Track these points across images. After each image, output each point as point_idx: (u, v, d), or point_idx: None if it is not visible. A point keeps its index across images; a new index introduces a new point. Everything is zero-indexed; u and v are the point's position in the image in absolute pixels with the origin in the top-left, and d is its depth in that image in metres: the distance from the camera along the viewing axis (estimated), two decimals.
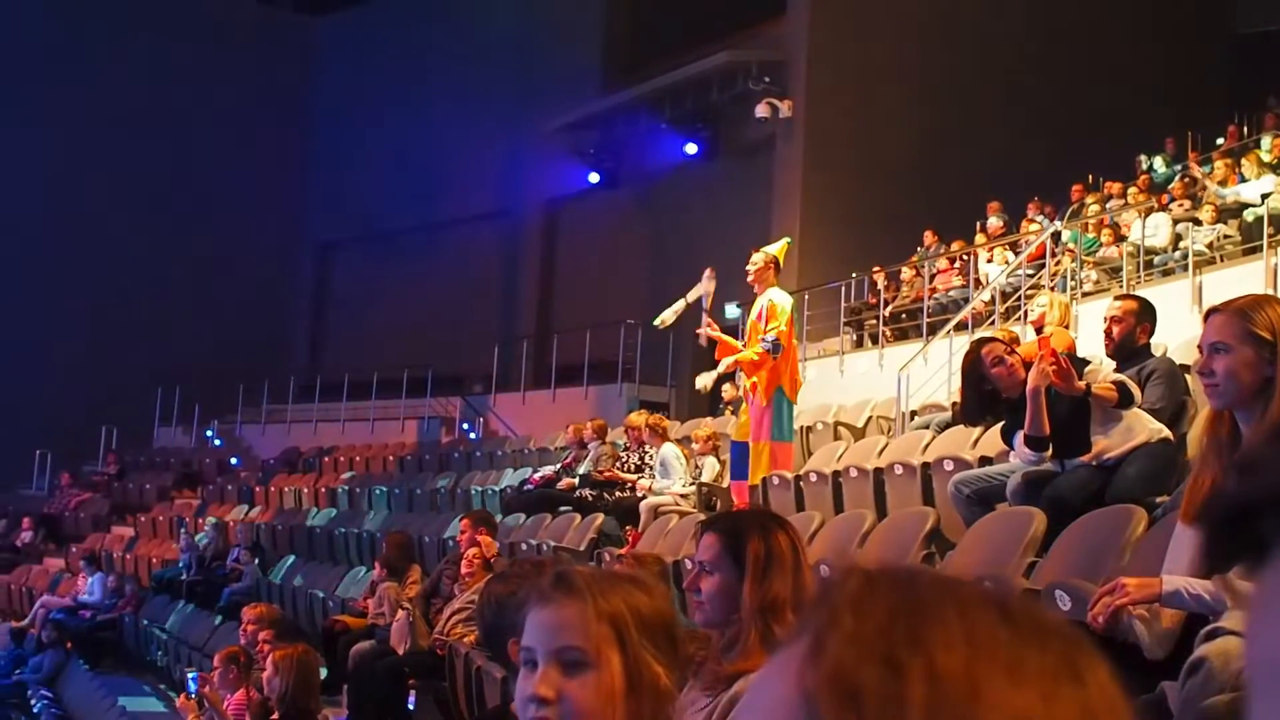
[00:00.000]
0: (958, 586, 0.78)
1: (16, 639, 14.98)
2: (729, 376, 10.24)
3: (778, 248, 9.49)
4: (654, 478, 10.99)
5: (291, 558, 15.30)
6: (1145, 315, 6.47)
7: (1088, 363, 5.94)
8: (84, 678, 12.78)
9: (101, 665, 14.27)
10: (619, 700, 1.85)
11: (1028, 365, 5.93)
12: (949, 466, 7.31)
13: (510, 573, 3.65)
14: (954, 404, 10.09)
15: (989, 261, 15.30)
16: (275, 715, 6.23)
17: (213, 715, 6.53)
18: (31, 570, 19.85)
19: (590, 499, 11.30)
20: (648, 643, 1.89)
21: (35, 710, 12.21)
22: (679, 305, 9.70)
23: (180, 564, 15.92)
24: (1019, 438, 5.86)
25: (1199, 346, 3.34)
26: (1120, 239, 13.79)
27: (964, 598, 0.77)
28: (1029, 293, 12.60)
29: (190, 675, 7.08)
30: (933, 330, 13.59)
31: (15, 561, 20.76)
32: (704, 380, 9.51)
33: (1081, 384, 5.62)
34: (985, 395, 6.19)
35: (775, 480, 8.80)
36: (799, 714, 0.73)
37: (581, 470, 12.14)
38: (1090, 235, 14.39)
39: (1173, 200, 14.44)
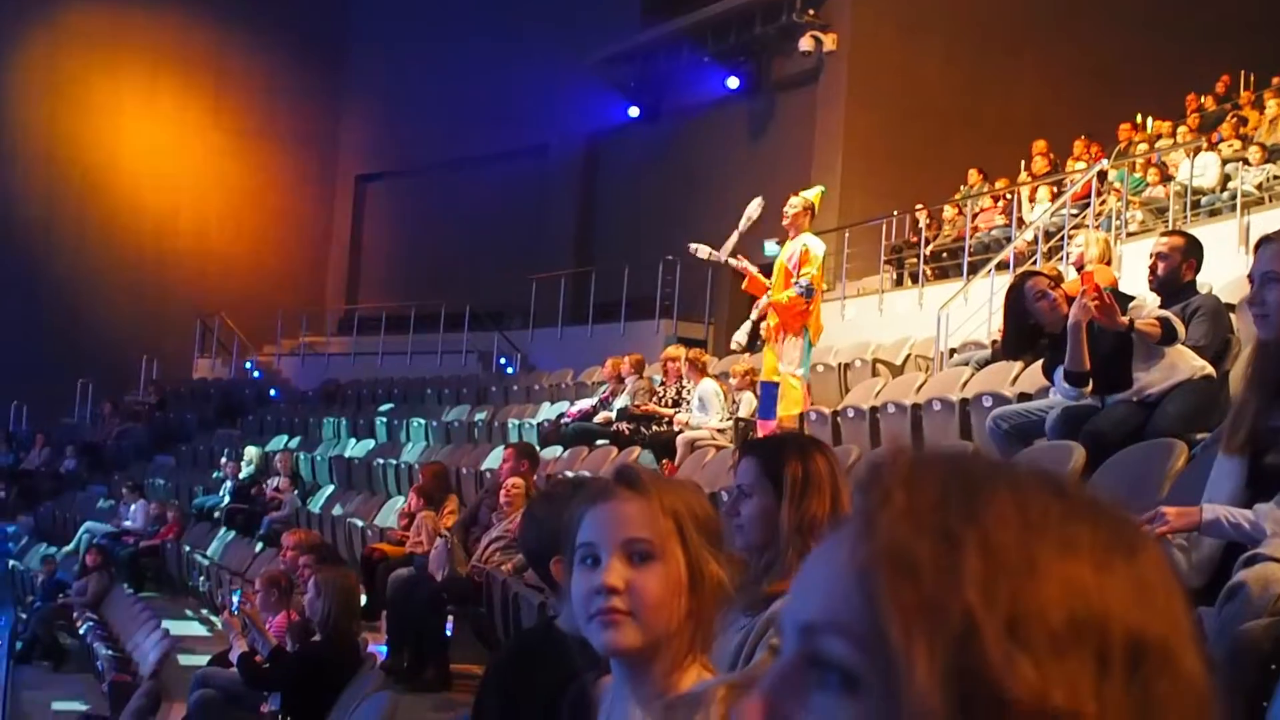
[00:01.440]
0: (1009, 465, 0.78)
1: (59, 564, 15.20)
2: (764, 316, 10.22)
3: (814, 194, 9.48)
4: (691, 412, 11.01)
5: (330, 487, 15.45)
6: (1192, 252, 6.40)
7: (1131, 298, 5.89)
8: (127, 601, 12.97)
9: (144, 590, 14.48)
10: (683, 594, 1.86)
11: (1071, 301, 5.88)
12: (988, 403, 7.29)
13: (552, 493, 3.66)
14: (993, 342, 10.05)
15: (1032, 201, 15.16)
16: (316, 637, 6.32)
17: (254, 633, 6.61)
18: (75, 497, 20.12)
19: (627, 433, 11.34)
20: (704, 540, 1.90)
21: (81, 632, 12.42)
22: (733, 238, 9.63)
23: (220, 493, 16.10)
24: (1059, 373, 5.83)
25: (1249, 277, 3.31)
26: (1167, 179, 13.64)
27: (1016, 475, 0.77)
28: (1072, 232, 12.49)
29: (234, 593, 7.18)
30: (974, 269, 13.49)
31: (59, 489, 21.05)
32: (739, 337, 9.53)
33: (1124, 319, 5.58)
34: (1027, 330, 6.16)
35: (812, 415, 8.80)
36: (854, 591, 0.74)
37: (619, 404, 12.18)
38: (1137, 175, 14.22)
39: (1221, 140, 14.25)
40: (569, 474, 10.31)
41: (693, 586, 1.87)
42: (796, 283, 8.93)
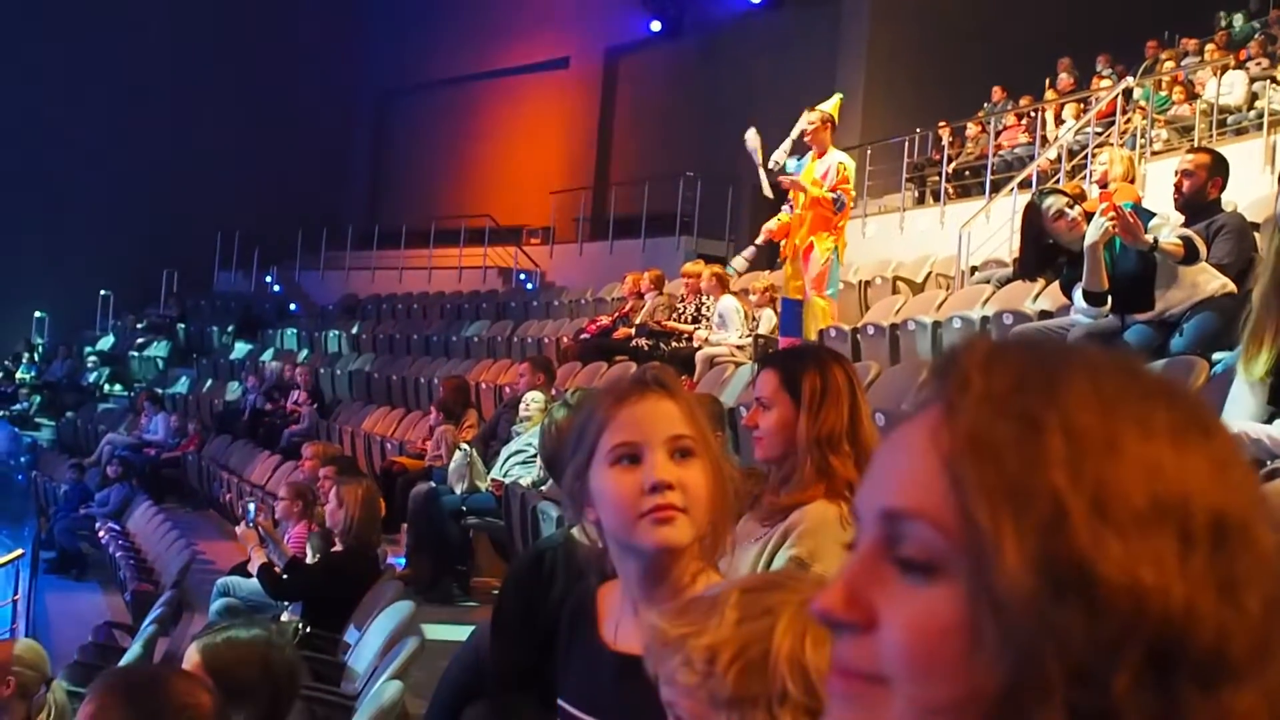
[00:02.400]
0: (1082, 349, 0.78)
1: (83, 474, 15.34)
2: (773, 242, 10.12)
3: (831, 105, 9.29)
4: (711, 329, 11.01)
5: (350, 401, 15.53)
6: (1217, 169, 6.33)
7: (1154, 215, 5.83)
8: (149, 512, 13.09)
9: (165, 501, 14.61)
10: (716, 492, 1.86)
11: (1090, 219, 5.83)
12: (1008, 320, 7.27)
13: (572, 402, 3.66)
14: (1015, 260, 9.99)
15: (1058, 119, 15.01)
16: (336, 547, 6.37)
17: (270, 545, 6.67)
18: (97, 409, 20.27)
19: (646, 348, 11.34)
20: (718, 443, 1.90)
21: (103, 542, 12.56)
22: (763, 176, 9.48)
23: (241, 405, 16.20)
24: (1078, 292, 5.79)
25: None
26: (1193, 97, 13.47)
27: (1090, 357, 0.77)
28: (1096, 151, 12.37)
29: (249, 506, 7.23)
30: (996, 188, 13.40)
31: (81, 401, 21.21)
32: (737, 263, 9.53)
33: (1148, 237, 5.53)
34: (1044, 249, 6.09)
35: (832, 332, 8.78)
36: (936, 476, 0.74)
37: (638, 320, 12.18)
38: (1162, 93, 14.04)
39: (1250, 58, 14.05)
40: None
41: (719, 485, 1.87)
42: (830, 194, 8.79)
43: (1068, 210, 5.92)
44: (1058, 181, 12.21)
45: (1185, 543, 0.70)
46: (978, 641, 0.72)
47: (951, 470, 0.73)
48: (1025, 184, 12.53)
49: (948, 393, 0.75)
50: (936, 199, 15.19)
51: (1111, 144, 12.35)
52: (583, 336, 12.83)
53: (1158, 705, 0.69)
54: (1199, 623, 0.69)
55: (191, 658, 2.95)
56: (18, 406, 21.58)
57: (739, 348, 10.49)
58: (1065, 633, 0.69)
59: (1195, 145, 11.32)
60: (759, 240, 9.47)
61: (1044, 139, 14.46)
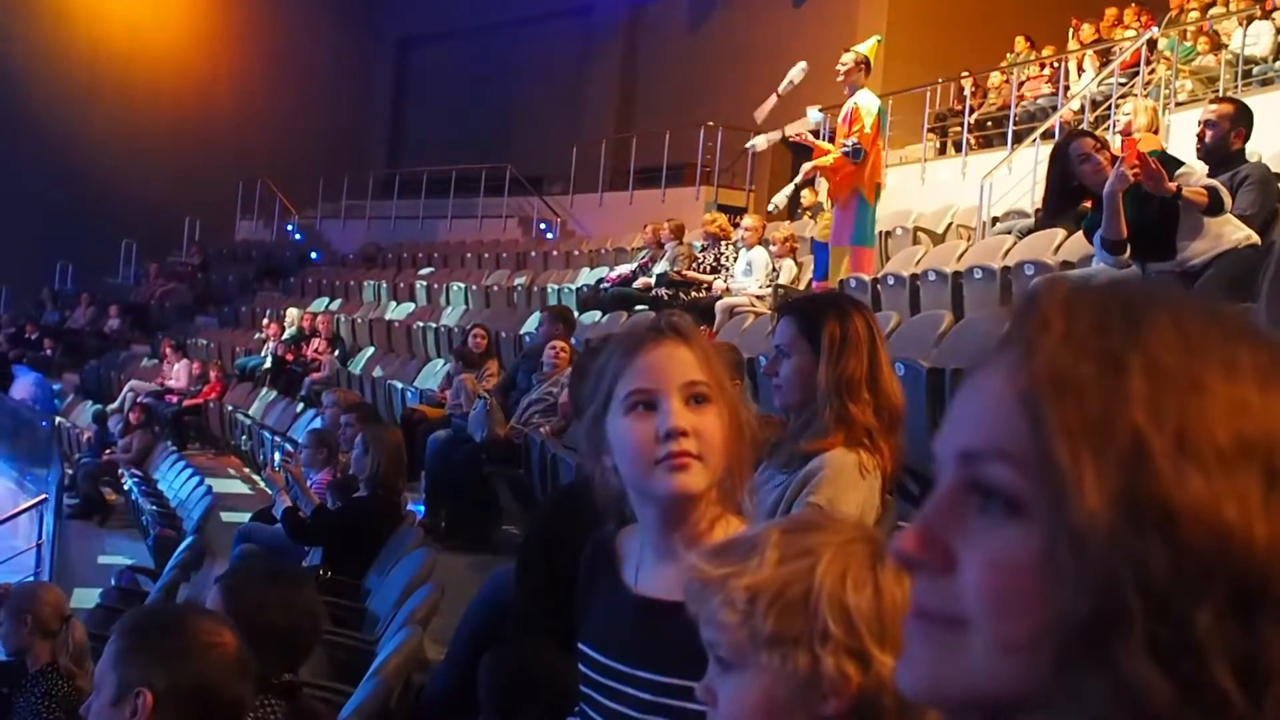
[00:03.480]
0: (1164, 290, 0.79)
1: (106, 421, 15.44)
2: (809, 182, 10.11)
3: (868, 46, 9.10)
4: (734, 277, 11.00)
5: (370, 350, 15.57)
6: (1241, 120, 6.27)
7: (1180, 164, 5.78)
8: (171, 458, 13.18)
9: (187, 448, 14.71)
10: (732, 438, 1.87)
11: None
12: (1030, 271, 7.24)
13: (599, 347, 3.67)
14: (1037, 210, 9.94)
15: (1080, 70, 14.88)
16: (358, 493, 6.40)
17: (296, 490, 6.71)
18: (119, 356, 20.37)
19: (666, 298, 11.33)
20: (735, 388, 1.91)
21: (126, 488, 12.65)
22: (771, 102, 9.47)
23: (262, 353, 16.26)
24: (1098, 238, 5.76)
25: None
26: (1219, 47, 13.33)
27: (1172, 299, 0.77)
28: (1119, 101, 12.26)
29: (277, 450, 7.28)
30: (1019, 139, 13.30)
31: (104, 348, 21.31)
32: (778, 200, 9.41)
33: (1172, 185, 5.49)
34: (1069, 192, 6.04)
35: (853, 283, 8.76)
36: (1016, 415, 0.75)
37: (658, 270, 12.16)
38: (1187, 43, 13.90)
39: (1276, 8, 13.89)
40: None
41: (735, 431, 1.88)
42: (844, 143, 8.65)
43: (1094, 154, 5.86)
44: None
45: (1270, 482, 0.71)
46: (1056, 578, 0.72)
47: (1030, 409, 0.74)
48: (1048, 135, 12.44)
49: (1027, 334, 0.76)
50: (958, 150, 15.09)
51: (1136, 94, 12.24)
52: (603, 286, 12.82)
53: (1240, 642, 0.69)
54: None
55: (215, 599, 2.98)
56: (41, 353, 21.69)
57: (759, 298, 10.47)
58: (1146, 568, 0.70)
59: (1220, 95, 11.22)
60: (798, 178, 9.37)
61: (1067, 89, 14.34)
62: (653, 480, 1.85)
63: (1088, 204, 5.97)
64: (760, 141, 9.39)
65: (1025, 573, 0.74)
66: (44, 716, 4.61)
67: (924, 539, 0.78)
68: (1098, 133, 10.80)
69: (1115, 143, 8.59)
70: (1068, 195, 6.06)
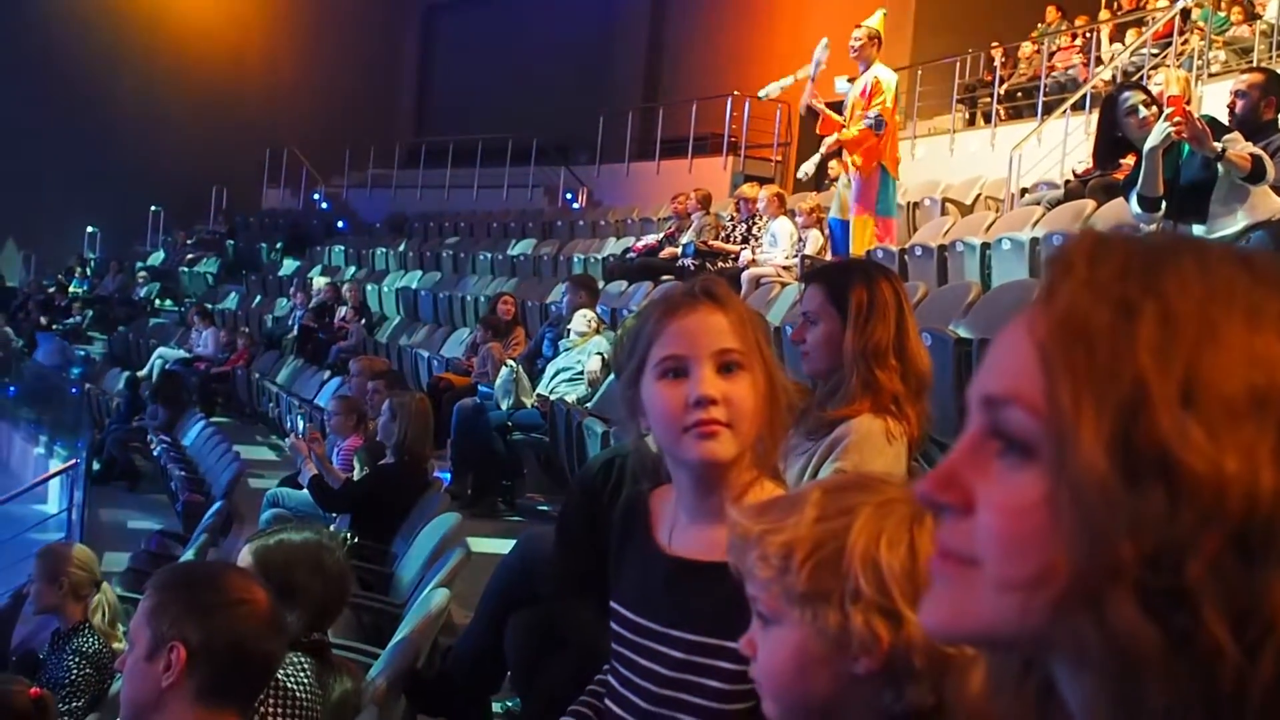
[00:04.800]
0: (1197, 240, 0.78)
1: (135, 387, 15.52)
2: (836, 153, 10.10)
3: (876, 20, 9.23)
4: (762, 248, 10.98)
5: (396, 318, 15.61)
6: (1272, 89, 6.22)
7: (1228, 130, 5.73)
8: (199, 425, 13.24)
9: (215, 415, 14.78)
10: (765, 405, 1.87)
11: None
12: (1058, 241, 7.19)
13: (639, 314, 3.67)
14: (1066, 182, 9.90)
15: (1112, 40, 14.75)
16: (386, 459, 6.42)
17: (315, 461, 6.73)
18: (148, 323, 20.47)
19: (692, 269, 11.32)
20: (771, 350, 1.91)
21: (155, 454, 12.72)
22: (786, 81, 9.53)
23: (289, 321, 16.31)
24: (1134, 194, 5.73)
25: None
26: (1253, 17, 13.20)
27: (1203, 247, 0.77)
28: (1151, 72, 12.16)
29: (299, 418, 7.32)
30: (1049, 110, 13.21)
31: (132, 315, 21.42)
32: (806, 168, 9.43)
33: (1216, 145, 5.44)
34: (1115, 142, 6.01)
35: (879, 253, 8.74)
36: (1032, 360, 0.75)
37: (685, 240, 12.15)
38: (1221, 13, 13.77)
39: None
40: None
41: (770, 397, 1.89)
42: (866, 116, 8.78)
43: (1142, 108, 5.82)
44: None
45: None
46: (1056, 521, 0.73)
47: (1044, 354, 0.74)
48: (1079, 106, 12.36)
49: (1052, 279, 0.77)
50: (987, 121, 15.01)
51: (1168, 65, 12.14)
52: (629, 256, 12.82)
53: (1238, 594, 0.68)
54: None
55: (245, 558, 3.01)
56: (70, 321, 21.83)
57: (785, 268, 10.46)
58: (1140, 516, 0.69)
59: (1252, 66, 11.12)
60: (823, 148, 9.41)
61: (1099, 60, 14.23)
62: (682, 447, 1.87)
63: (1131, 157, 5.93)
64: (773, 89, 9.49)
65: (1030, 516, 0.74)
66: (74, 674, 4.66)
67: (945, 481, 0.79)
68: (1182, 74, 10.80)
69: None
70: (1114, 145, 6.02)
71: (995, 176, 11.94)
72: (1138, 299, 0.72)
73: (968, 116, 15.98)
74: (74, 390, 16.61)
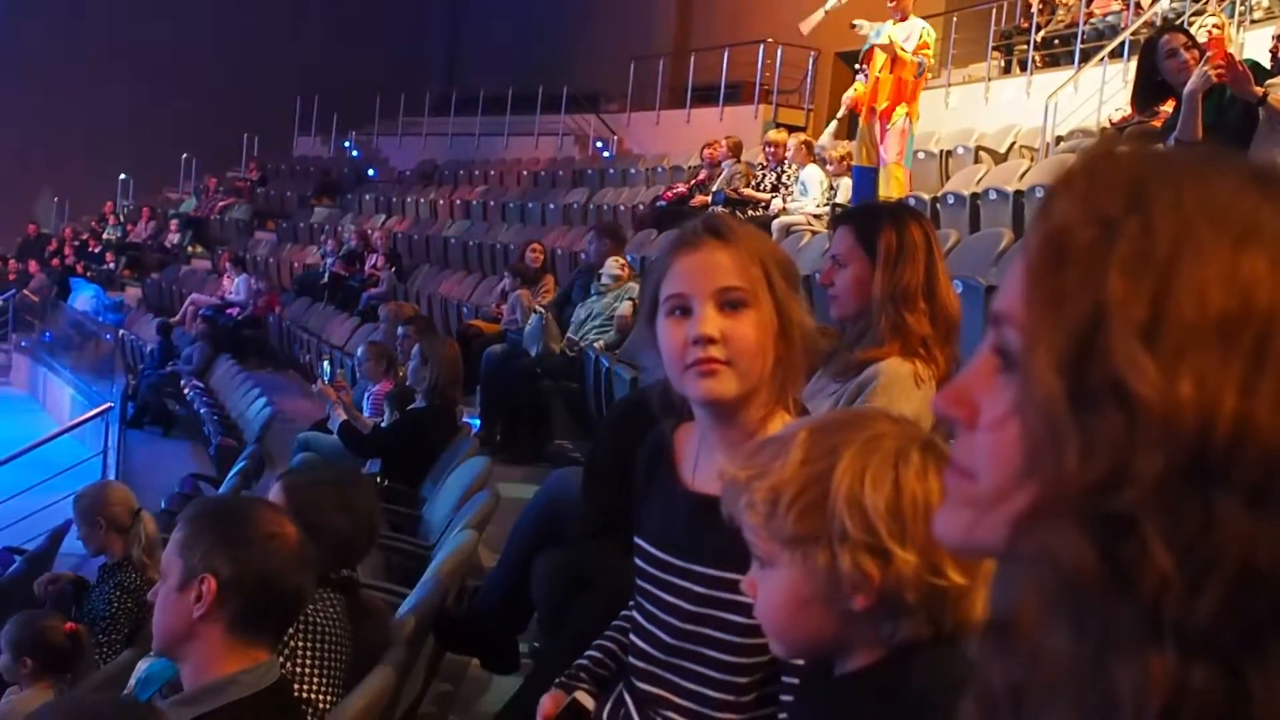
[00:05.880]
0: (1217, 155, 0.74)
1: (168, 333, 15.63)
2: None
3: None
4: (789, 197, 10.93)
5: (427, 266, 15.65)
6: None
7: (1271, 75, 5.65)
8: (231, 371, 13.35)
9: (247, 361, 14.87)
10: (774, 339, 1.87)
11: None
12: None
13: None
14: (1102, 129, 9.81)
15: None
16: (415, 403, 6.44)
17: (343, 407, 6.75)
18: (180, 270, 20.58)
19: None
20: (787, 285, 1.90)
21: (189, 398, 12.84)
22: (818, 15, 9.49)
23: (320, 269, 16.37)
24: (1170, 139, 5.66)
25: None
26: None
27: (1216, 163, 0.74)
28: (1192, 19, 11.99)
29: (325, 364, 7.35)
30: (1086, 57, 13.05)
31: (164, 261, 21.54)
32: (823, 140, 9.46)
33: (1257, 89, 5.37)
34: (1155, 85, 5.93)
35: (910, 201, 8.69)
36: (1019, 276, 0.75)
37: (715, 188, 12.10)
38: None
39: None
40: None
41: (782, 333, 1.88)
42: (916, 58, 8.80)
43: (1182, 51, 5.74)
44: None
45: (1257, 359, 0.66)
46: (1020, 440, 0.72)
47: (1026, 270, 0.74)
48: (1117, 53, 12.21)
49: (1052, 190, 0.75)
50: (1023, 68, 14.84)
51: (1208, 11, 11.97)
52: (659, 204, 12.79)
53: (1185, 521, 0.66)
54: (1255, 438, 0.66)
55: (275, 494, 3.04)
56: (104, 267, 21.97)
57: (816, 216, 10.41)
58: (1088, 439, 0.68)
59: None
60: (840, 113, 9.41)
61: (1138, 6, 14.04)
62: (685, 384, 1.89)
63: (1170, 103, 5.85)
64: (815, 18, 9.53)
65: (1003, 431, 0.75)
66: (114, 606, 4.74)
67: (955, 396, 0.80)
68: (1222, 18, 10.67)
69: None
70: (1153, 88, 5.94)
71: (1030, 125, 11.82)
72: (1121, 217, 0.70)
73: (1003, 64, 15.80)
74: (108, 336, 16.75)
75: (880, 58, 9.00)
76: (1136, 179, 0.72)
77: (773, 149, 11.62)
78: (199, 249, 21.74)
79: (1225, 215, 0.69)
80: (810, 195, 10.65)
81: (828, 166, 10.93)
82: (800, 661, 1.58)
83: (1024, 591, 0.72)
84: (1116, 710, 0.67)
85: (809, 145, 11.19)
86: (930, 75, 10.30)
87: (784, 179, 11.32)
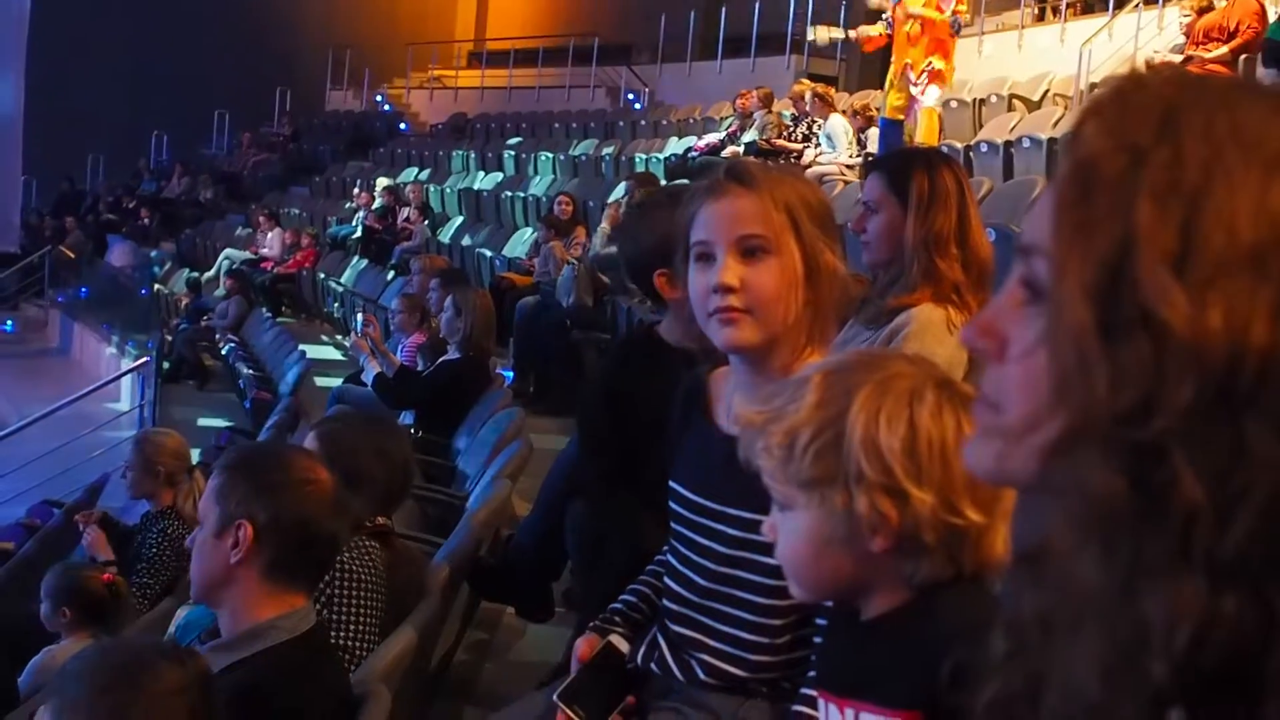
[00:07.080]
0: (1247, 80, 0.75)
1: (201, 288, 15.72)
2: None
3: None
4: (820, 148, 10.87)
5: (459, 219, 15.65)
6: None
7: None
8: (265, 324, 13.41)
9: (280, 315, 14.94)
10: (800, 285, 1.86)
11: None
12: None
13: (647, 204, 3.62)
14: None
15: None
16: (448, 355, 6.45)
17: (379, 356, 6.77)
18: (214, 225, 20.66)
19: None
20: (819, 230, 1.90)
21: (223, 353, 12.91)
22: (836, 32, 9.50)
23: (353, 223, 16.40)
24: (1267, 39, 5.60)
25: None
26: None
27: (1245, 86, 0.73)
28: None
29: (358, 316, 7.38)
30: (1120, 4, 12.90)
31: (199, 217, 21.63)
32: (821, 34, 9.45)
33: None
34: None
35: (943, 149, 8.64)
36: (1047, 206, 0.75)
37: (747, 139, 12.05)
38: None
39: None
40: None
41: (809, 278, 1.87)
42: (951, 17, 8.73)
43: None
44: None
45: None
46: (1049, 370, 0.72)
47: (1055, 200, 0.74)
48: (1151, 0, 12.07)
49: (1082, 116, 0.75)
50: (1057, 15, 14.68)
51: None
52: (691, 155, 12.74)
53: (1216, 448, 0.66)
54: None
55: (311, 442, 3.06)
56: (138, 223, 22.07)
57: (849, 166, 10.36)
58: (1118, 368, 0.68)
59: None
60: (852, 34, 9.38)
61: None
62: (710, 331, 1.89)
63: None
64: (825, 34, 9.51)
65: (1032, 361, 0.75)
66: (154, 553, 4.81)
67: (984, 328, 0.80)
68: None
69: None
70: None
71: (1064, 73, 11.70)
72: (1150, 145, 0.70)
73: (1037, 11, 15.62)
74: (143, 291, 16.85)
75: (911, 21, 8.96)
76: (1167, 107, 0.71)
77: (798, 101, 11.58)
78: (233, 204, 21.82)
79: (1257, 144, 0.69)
80: (839, 146, 10.60)
81: (855, 117, 10.86)
82: (829, 604, 1.58)
83: (1054, 521, 0.72)
84: (1147, 638, 0.67)
85: (823, 97, 11.14)
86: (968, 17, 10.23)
87: (814, 129, 11.26)
